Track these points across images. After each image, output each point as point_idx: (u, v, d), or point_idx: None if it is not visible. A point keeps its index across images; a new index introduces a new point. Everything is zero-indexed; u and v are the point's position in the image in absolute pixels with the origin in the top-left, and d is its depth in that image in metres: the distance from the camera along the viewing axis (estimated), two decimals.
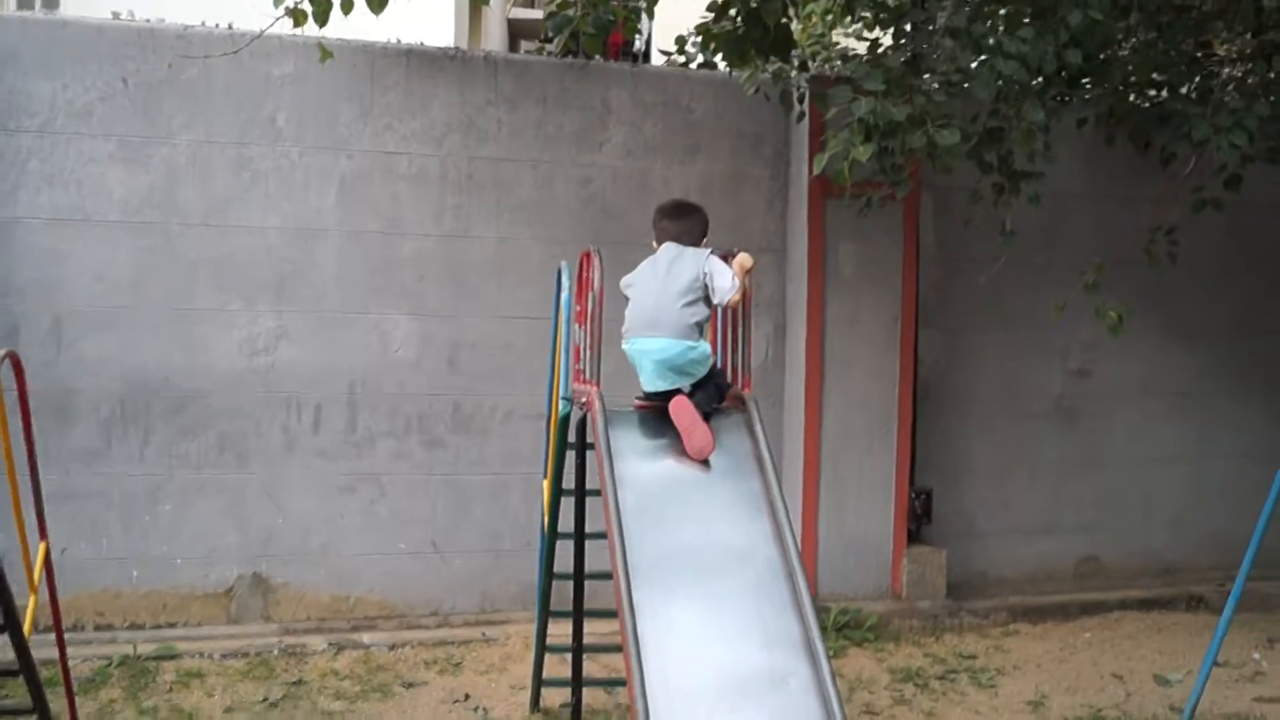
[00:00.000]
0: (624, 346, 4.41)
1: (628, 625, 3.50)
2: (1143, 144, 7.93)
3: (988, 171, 6.60)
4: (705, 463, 4.14)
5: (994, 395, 8.11)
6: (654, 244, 4.60)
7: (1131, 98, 7.49)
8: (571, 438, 4.60)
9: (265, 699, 5.98)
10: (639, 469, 4.13)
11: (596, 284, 4.28)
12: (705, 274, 4.33)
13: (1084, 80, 7.22)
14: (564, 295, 4.70)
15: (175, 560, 6.91)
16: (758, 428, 4.14)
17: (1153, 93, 7.56)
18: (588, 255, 4.46)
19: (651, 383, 4.34)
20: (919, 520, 7.78)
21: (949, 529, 7.91)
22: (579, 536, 4.68)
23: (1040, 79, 6.41)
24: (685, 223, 4.57)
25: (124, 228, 6.79)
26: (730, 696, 3.48)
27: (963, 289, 7.83)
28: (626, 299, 4.49)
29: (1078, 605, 7.85)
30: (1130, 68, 6.83)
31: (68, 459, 6.66)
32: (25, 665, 4.19)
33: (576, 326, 4.57)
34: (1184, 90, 7.17)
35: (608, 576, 3.87)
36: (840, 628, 7.12)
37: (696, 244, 4.52)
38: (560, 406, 4.62)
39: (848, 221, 7.25)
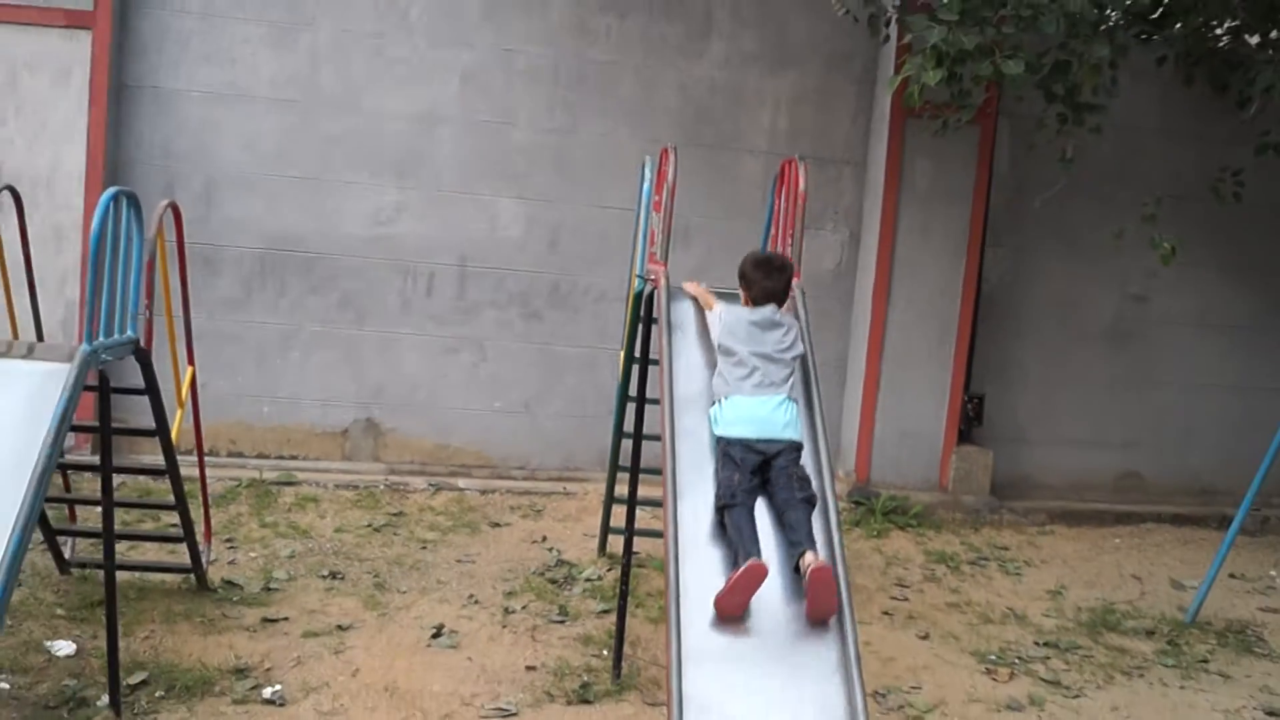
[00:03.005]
0: (721, 405, 4.21)
1: (669, 469, 4.18)
2: (1220, 86, 8.22)
3: (1052, 101, 7.03)
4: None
5: (1052, 313, 8.60)
6: (747, 298, 4.48)
7: (1209, 41, 7.77)
8: (642, 313, 5.26)
9: (370, 524, 6.88)
10: (696, 344, 4.78)
11: (671, 178, 4.92)
12: (804, 344, 4.45)
13: (1165, 19, 7.54)
14: (645, 186, 5.36)
15: (300, 401, 7.86)
16: (801, 311, 4.75)
17: (1229, 37, 7.83)
18: (665, 152, 5.10)
19: (747, 430, 4.13)
20: (970, 422, 8.37)
21: (998, 433, 8.48)
22: (641, 400, 5.29)
23: (1112, 14, 6.76)
24: (783, 278, 4.48)
25: (270, 104, 7.65)
26: None
27: (1031, 212, 8.28)
28: (721, 351, 4.35)
29: (1113, 514, 8.41)
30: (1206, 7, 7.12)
31: (213, 305, 7.60)
32: (171, 467, 5.08)
33: (654, 214, 5.23)
34: (1257, 38, 7.44)
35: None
36: (887, 512, 7.77)
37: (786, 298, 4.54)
38: (635, 284, 5.32)
39: (926, 141, 7.77)
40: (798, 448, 4.11)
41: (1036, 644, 5.85)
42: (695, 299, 4.71)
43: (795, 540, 3.83)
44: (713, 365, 4.43)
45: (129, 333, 4.43)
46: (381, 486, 7.56)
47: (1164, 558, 7.71)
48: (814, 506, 3.94)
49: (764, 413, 4.10)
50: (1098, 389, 8.73)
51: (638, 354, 5.22)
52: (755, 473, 4.00)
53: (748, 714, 3.58)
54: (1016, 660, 5.59)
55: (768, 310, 4.37)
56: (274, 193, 7.69)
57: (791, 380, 4.25)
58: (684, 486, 4.16)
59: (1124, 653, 5.83)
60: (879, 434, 8.07)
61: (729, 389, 4.17)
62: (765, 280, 4.40)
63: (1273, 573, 7.57)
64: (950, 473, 8.13)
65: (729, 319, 4.35)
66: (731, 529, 3.86)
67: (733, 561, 3.77)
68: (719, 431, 4.13)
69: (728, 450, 4.06)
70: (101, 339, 4.11)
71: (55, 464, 3.73)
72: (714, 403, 4.22)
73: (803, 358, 4.44)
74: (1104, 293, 8.67)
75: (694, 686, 3.57)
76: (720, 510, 3.94)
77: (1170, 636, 6.10)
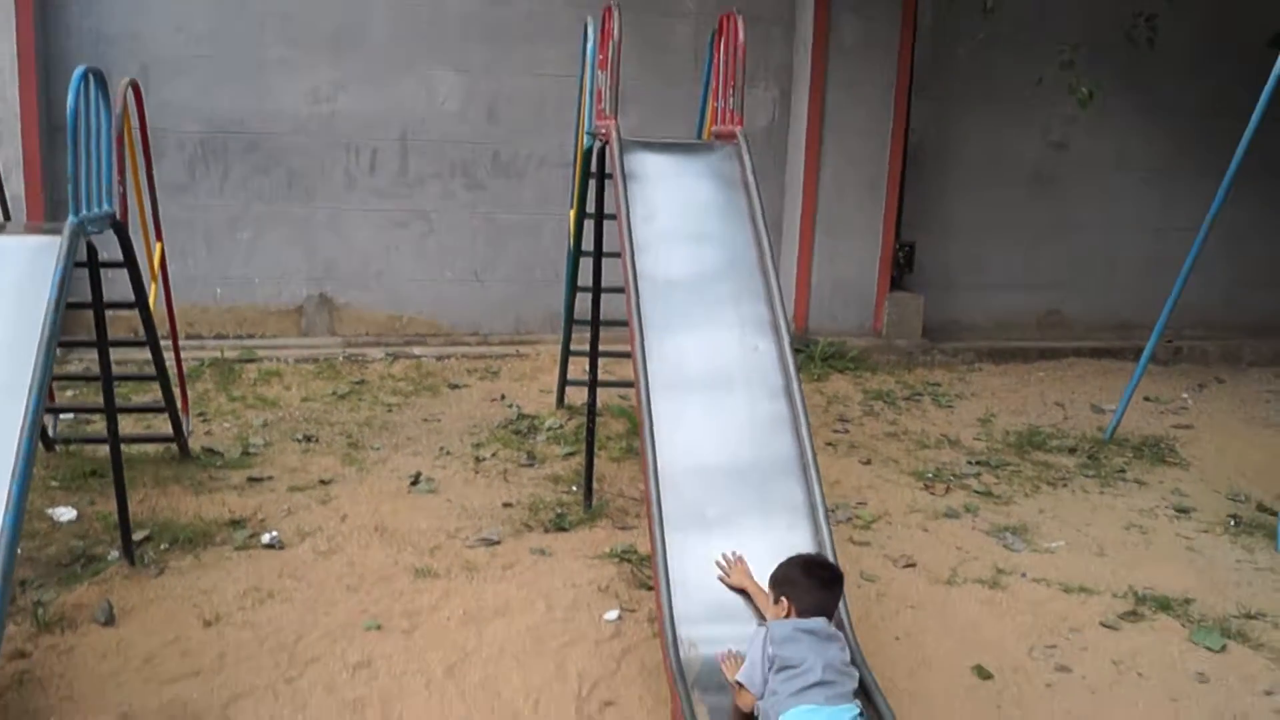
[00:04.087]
0: (785, 706, 3.25)
1: (633, 306, 4.48)
2: None
3: None
4: (704, 184, 5.06)
5: (978, 161, 8.99)
6: (790, 605, 3.54)
7: None
8: (593, 169, 5.51)
9: (334, 393, 7.14)
10: (649, 192, 5.06)
11: (616, 34, 5.13)
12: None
13: None
14: (589, 45, 5.57)
15: (253, 280, 8.03)
16: (745, 157, 5.04)
17: None
18: (609, 10, 5.31)
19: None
20: (901, 269, 8.79)
21: (928, 279, 8.92)
22: (597, 254, 5.50)
23: None
24: (838, 592, 3.66)
25: None
26: (709, 356, 4.51)
27: (955, 64, 8.59)
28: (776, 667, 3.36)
29: (1038, 351, 8.94)
30: None
31: (158, 191, 7.64)
32: (151, 338, 5.27)
33: (599, 72, 5.45)
34: None
35: (621, 290, 4.70)
36: (826, 358, 8.20)
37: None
38: (584, 141, 5.57)
39: None
40: None
41: (969, 463, 6.33)
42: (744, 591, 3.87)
43: None
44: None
45: (105, 207, 4.59)
46: (340, 358, 7.80)
47: (1085, 386, 8.24)
48: None
49: None
50: (1022, 233, 9.18)
51: (590, 210, 5.48)
52: None
53: (722, 519, 3.99)
54: (952, 477, 6.06)
55: (821, 622, 3.50)
56: (211, 75, 7.75)
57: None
58: (647, 324, 4.49)
59: (1049, 467, 6.32)
60: (815, 284, 8.45)
61: (789, 702, 3.26)
62: (821, 590, 3.59)
63: (1185, 395, 8.14)
64: (884, 318, 8.55)
65: (777, 631, 3.47)
66: None
67: None
68: None
69: None
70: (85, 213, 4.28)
71: (60, 331, 3.92)
72: None
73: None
74: (1026, 140, 9.05)
75: (670, 508, 3.97)
76: None
77: (1090, 452, 6.61)
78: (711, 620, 3.70)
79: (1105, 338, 9.20)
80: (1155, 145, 9.30)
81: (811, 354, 8.15)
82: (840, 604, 3.72)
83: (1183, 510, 5.75)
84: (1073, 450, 6.66)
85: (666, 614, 3.65)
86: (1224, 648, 4.24)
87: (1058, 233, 9.24)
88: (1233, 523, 5.57)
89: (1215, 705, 3.83)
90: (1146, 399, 7.82)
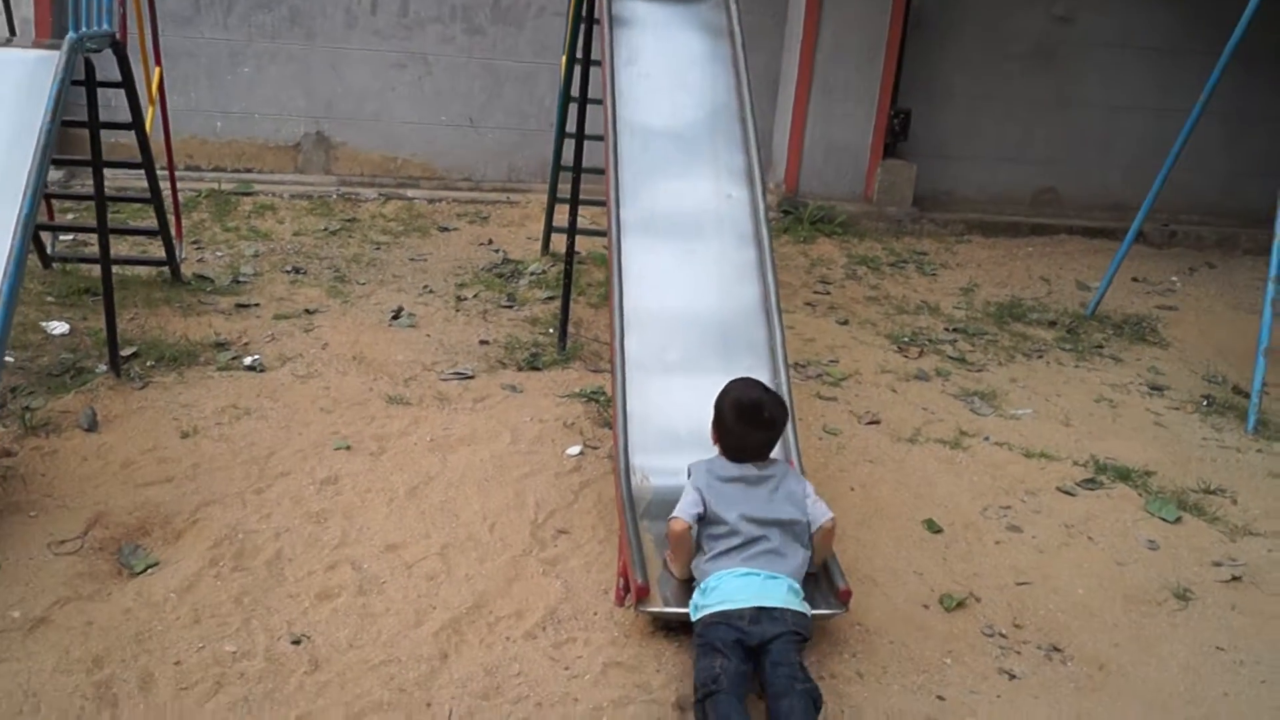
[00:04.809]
0: (705, 571, 3.28)
1: (610, 150, 4.55)
2: None
3: None
4: (691, 34, 5.08)
5: (979, 32, 8.87)
6: (720, 452, 3.51)
7: None
8: (584, 12, 5.51)
9: (325, 229, 7.25)
10: (636, 39, 5.08)
11: None
12: (807, 499, 3.46)
13: None
14: None
15: (253, 115, 8.08)
16: (733, 7, 5.05)
17: None
18: None
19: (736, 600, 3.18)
20: (896, 137, 8.76)
21: (923, 148, 8.89)
22: (582, 100, 5.49)
23: None
24: (772, 435, 3.52)
25: None
26: (683, 203, 4.60)
27: None
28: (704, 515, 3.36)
29: (1029, 226, 8.95)
30: None
31: (162, 21, 7.51)
32: (146, 161, 5.40)
33: None
34: None
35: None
36: (815, 221, 8.26)
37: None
38: None
39: None
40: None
41: (946, 330, 6.44)
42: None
43: None
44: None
45: (105, 26, 4.65)
46: (334, 196, 7.89)
47: (1073, 264, 8.28)
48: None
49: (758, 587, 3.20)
50: (1020, 107, 9.11)
51: (580, 55, 5.50)
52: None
53: (684, 360, 4.13)
54: (927, 343, 6.17)
55: (746, 469, 3.45)
56: None
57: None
58: (624, 170, 4.57)
59: (1026, 339, 6.42)
60: (808, 147, 8.46)
61: (707, 567, 3.29)
62: (749, 433, 3.48)
63: (1174, 278, 8.16)
64: (875, 185, 8.57)
65: (698, 474, 3.47)
66: None
67: None
68: (700, 615, 3.20)
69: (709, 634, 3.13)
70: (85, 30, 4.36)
71: (55, 138, 4.04)
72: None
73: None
74: (1031, 12, 8.93)
75: (634, 348, 4.12)
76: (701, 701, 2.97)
77: (1070, 326, 6.70)
78: (664, 452, 3.86)
79: (1099, 217, 9.18)
80: (1160, 24, 9.12)
81: (800, 216, 8.21)
82: (794, 451, 3.89)
83: (1156, 388, 5.84)
84: (1053, 324, 6.74)
85: (621, 443, 3.81)
86: (1179, 519, 4.32)
87: (1057, 108, 9.17)
88: (1205, 403, 5.64)
89: (1161, 571, 3.93)
90: (1135, 279, 7.87)
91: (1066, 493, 4.50)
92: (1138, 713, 3.20)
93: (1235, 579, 3.94)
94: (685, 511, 3.36)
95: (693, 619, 3.21)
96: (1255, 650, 3.54)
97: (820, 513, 3.42)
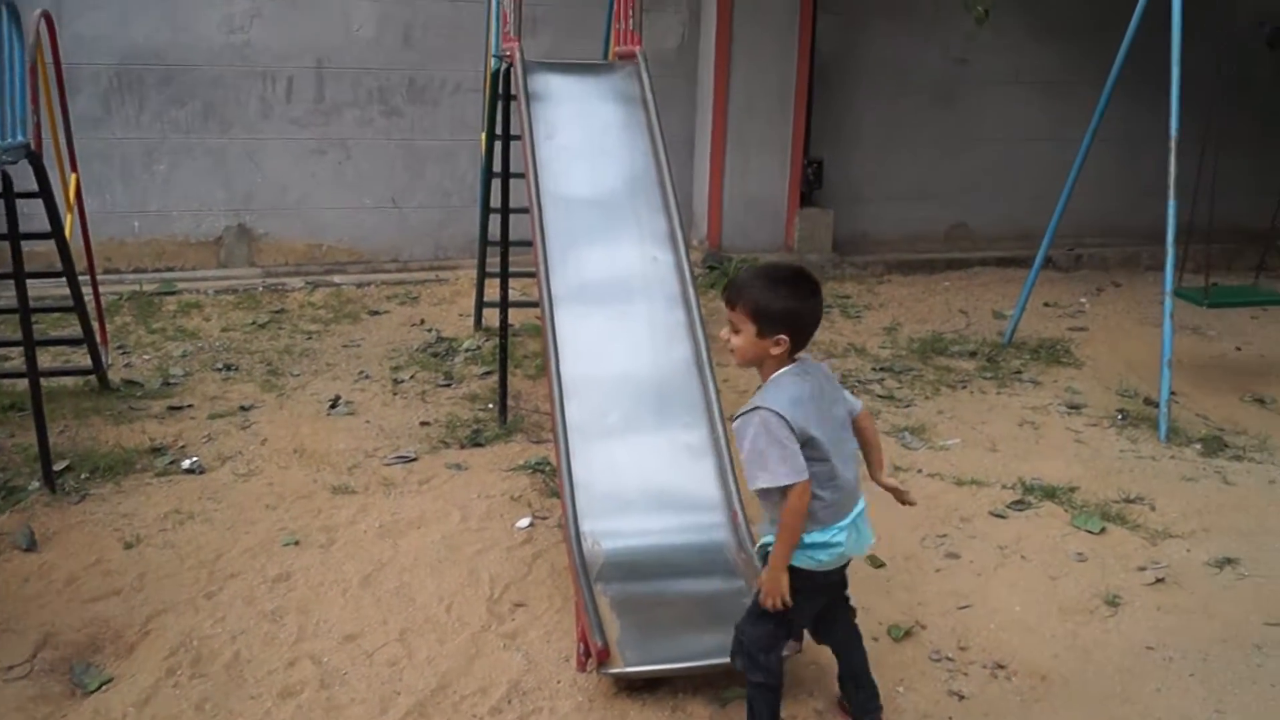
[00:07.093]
0: (822, 540, 2.92)
1: (536, 224, 4.63)
2: None
3: None
4: (606, 104, 5.19)
5: (883, 78, 9.14)
6: (773, 343, 2.87)
7: None
8: (500, 90, 5.61)
9: (254, 322, 7.22)
10: (552, 112, 5.18)
11: None
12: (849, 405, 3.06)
13: None
14: None
15: (171, 213, 8.05)
16: (644, 76, 5.16)
17: None
18: None
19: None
20: (811, 186, 8.97)
21: (838, 194, 9.11)
22: (505, 175, 5.65)
23: None
24: (820, 306, 2.96)
25: None
26: (610, 268, 4.68)
27: None
28: (801, 440, 2.81)
29: (944, 262, 9.19)
30: None
31: (74, 125, 7.62)
32: (67, 268, 5.37)
33: None
34: None
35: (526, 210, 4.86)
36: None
37: None
38: (492, 63, 5.66)
39: None
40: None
41: (874, 370, 6.58)
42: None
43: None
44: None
45: (19, 137, 4.65)
46: (260, 288, 7.87)
47: (989, 294, 8.52)
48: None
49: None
50: (927, 148, 9.38)
51: (499, 131, 5.59)
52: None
53: (623, 422, 4.19)
54: (857, 384, 6.29)
55: (820, 367, 3.01)
56: (124, 7, 7.70)
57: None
58: (550, 240, 4.65)
59: (950, 371, 6.59)
60: (727, 202, 8.62)
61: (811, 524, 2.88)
62: (817, 297, 2.93)
63: (1083, 300, 8.44)
64: (795, 234, 8.76)
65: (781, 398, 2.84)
66: None
67: None
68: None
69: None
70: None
71: None
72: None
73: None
74: (929, 56, 9.22)
75: (574, 414, 4.17)
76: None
77: (990, 355, 6.89)
78: (613, 515, 3.92)
79: (1009, 247, 9.43)
80: (1050, 59, 9.46)
81: (725, 270, 8.34)
82: (735, 497, 3.97)
83: (1074, 407, 6.03)
84: (973, 354, 6.92)
85: (570, 511, 3.85)
86: (1103, 530, 4.52)
87: (962, 146, 9.45)
88: (1120, 417, 5.86)
89: (1092, 581, 4.10)
90: (1046, 304, 8.11)
91: (998, 516, 4.66)
92: (1079, 718, 3.33)
93: (1159, 581, 4.13)
94: (786, 473, 2.75)
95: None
96: (1182, 646, 3.71)
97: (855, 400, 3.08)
